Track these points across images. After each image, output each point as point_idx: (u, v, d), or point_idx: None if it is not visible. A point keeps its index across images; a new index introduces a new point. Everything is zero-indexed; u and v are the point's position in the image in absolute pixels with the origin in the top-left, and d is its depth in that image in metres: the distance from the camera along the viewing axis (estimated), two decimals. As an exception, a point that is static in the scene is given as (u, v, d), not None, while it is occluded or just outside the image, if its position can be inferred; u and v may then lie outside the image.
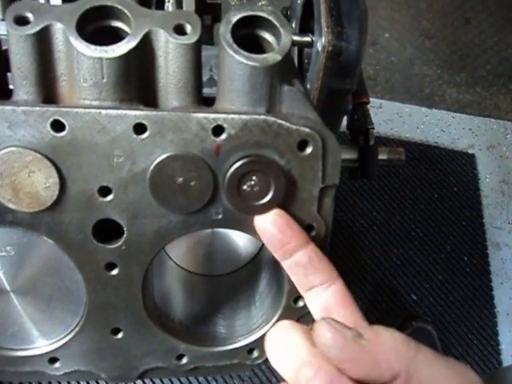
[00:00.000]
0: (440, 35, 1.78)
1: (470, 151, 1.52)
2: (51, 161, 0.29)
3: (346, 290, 0.32)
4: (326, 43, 0.42)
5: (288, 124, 0.30)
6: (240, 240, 0.46)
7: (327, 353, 0.28)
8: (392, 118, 1.54)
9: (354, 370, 0.28)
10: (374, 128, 0.73)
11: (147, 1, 0.57)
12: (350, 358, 0.27)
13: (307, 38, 0.48)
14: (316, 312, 0.32)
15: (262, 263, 0.44)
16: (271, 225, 0.31)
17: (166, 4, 0.58)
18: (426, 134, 1.54)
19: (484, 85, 1.71)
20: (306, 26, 0.55)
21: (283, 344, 0.29)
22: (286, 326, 0.29)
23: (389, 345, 0.28)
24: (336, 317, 0.30)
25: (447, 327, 1.20)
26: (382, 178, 1.38)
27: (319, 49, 0.43)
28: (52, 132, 0.29)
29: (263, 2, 1.76)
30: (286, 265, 0.32)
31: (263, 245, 0.34)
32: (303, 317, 0.37)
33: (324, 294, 0.32)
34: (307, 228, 0.34)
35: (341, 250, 1.23)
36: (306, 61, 0.56)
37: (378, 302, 1.21)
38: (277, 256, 0.32)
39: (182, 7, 0.56)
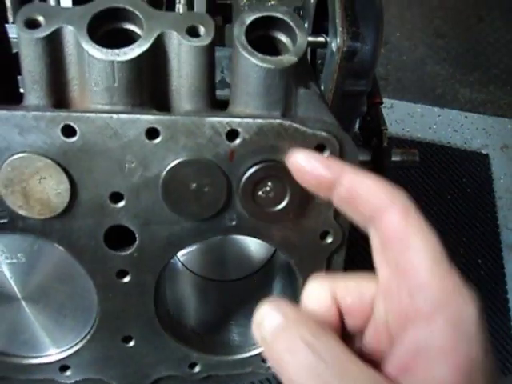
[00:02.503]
0: (452, 34, 1.75)
1: (484, 151, 1.50)
2: (62, 167, 0.29)
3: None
4: (341, 44, 0.41)
5: (304, 128, 0.29)
6: (253, 245, 0.45)
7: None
8: (404, 118, 1.51)
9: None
10: (387, 129, 0.72)
11: (158, 2, 0.57)
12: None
13: (321, 39, 0.47)
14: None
15: (275, 269, 0.43)
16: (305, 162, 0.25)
17: (177, 5, 0.57)
18: (438, 134, 1.51)
19: (497, 84, 1.68)
20: (319, 26, 0.54)
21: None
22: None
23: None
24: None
25: (461, 331, 1.18)
26: (393, 179, 1.36)
27: (334, 49, 0.42)
28: (63, 137, 0.28)
29: (273, 2, 1.76)
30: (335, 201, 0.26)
31: (276, 250, 0.33)
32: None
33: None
34: (323, 234, 0.33)
35: (351, 252, 1.21)
36: (319, 62, 0.55)
37: (390, 304, 1.19)
38: (322, 194, 0.26)
39: (192, 8, 0.55)
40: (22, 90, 0.31)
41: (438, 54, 1.70)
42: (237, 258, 0.44)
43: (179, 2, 0.57)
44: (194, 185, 0.30)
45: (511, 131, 1.55)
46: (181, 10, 0.56)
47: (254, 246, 0.44)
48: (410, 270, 0.24)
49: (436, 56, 1.69)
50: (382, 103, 0.73)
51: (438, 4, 1.77)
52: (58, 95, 0.30)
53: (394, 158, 0.72)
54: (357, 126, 0.66)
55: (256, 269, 0.44)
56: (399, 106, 1.51)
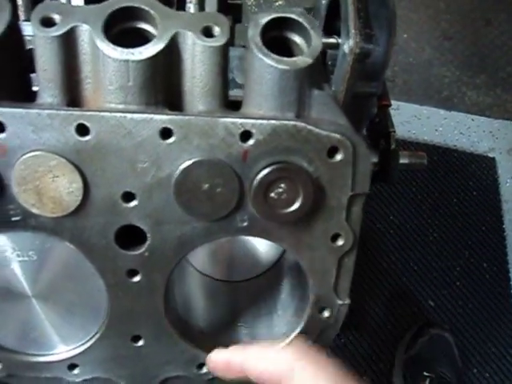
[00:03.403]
0: (459, 36, 1.75)
1: (490, 155, 1.49)
2: (75, 165, 0.29)
3: None
4: (353, 45, 0.41)
5: (318, 130, 0.29)
6: (261, 246, 0.45)
7: None
8: (410, 120, 1.51)
9: None
10: (395, 131, 0.72)
11: (169, 2, 0.57)
12: None
13: (332, 40, 0.47)
14: None
15: (283, 270, 0.43)
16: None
17: (188, 5, 0.57)
18: (444, 136, 1.51)
19: (504, 87, 1.68)
20: (330, 27, 0.53)
21: None
22: None
23: None
24: None
25: (465, 335, 1.18)
26: (399, 182, 1.36)
27: (346, 51, 0.42)
28: (77, 136, 0.28)
29: (280, 2, 1.75)
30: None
31: (285, 251, 0.32)
32: (327, 329, 0.36)
33: None
34: (334, 236, 0.33)
35: (357, 253, 1.21)
36: (329, 63, 0.55)
37: (394, 307, 1.19)
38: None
39: (203, 8, 0.55)
40: (34, 88, 0.31)
41: (445, 57, 1.69)
42: (246, 259, 0.44)
43: (190, 2, 0.57)
44: (207, 185, 0.30)
45: (518, 135, 1.54)
46: (192, 10, 0.56)
47: (263, 247, 0.44)
48: None
49: (443, 58, 1.69)
50: (390, 105, 0.73)
51: (445, 7, 1.76)
52: (72, 93, 0.29)
53: (401, 161, 0.71)
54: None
55: (265, 269, 0.44)
56: (405, 107, 1.51)
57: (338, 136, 0.29)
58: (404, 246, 1.27)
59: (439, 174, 1.39)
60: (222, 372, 0.35)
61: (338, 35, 0.47)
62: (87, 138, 0.28)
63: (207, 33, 0.29)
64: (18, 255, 0.32)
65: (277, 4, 1.68)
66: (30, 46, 0.31)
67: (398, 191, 1.35)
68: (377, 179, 0.66)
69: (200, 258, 0.43)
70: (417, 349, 1.10)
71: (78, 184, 0.29)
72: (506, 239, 1.32)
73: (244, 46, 0.32)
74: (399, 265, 1.24)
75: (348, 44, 0.41)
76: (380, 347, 1.11)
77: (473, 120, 1.55)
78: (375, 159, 0.65)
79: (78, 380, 0.37)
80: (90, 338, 0.35)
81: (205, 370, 0.37)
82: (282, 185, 0.30)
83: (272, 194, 0.30)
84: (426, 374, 1.06)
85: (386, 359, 1.09)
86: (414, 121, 1.51)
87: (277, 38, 0.31)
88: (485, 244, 1.30)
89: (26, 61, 0.31)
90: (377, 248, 1.25)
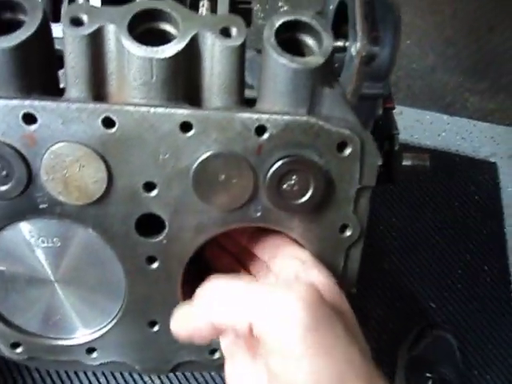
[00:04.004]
0: (463, 42, 1.77)
1: (492, 160, 1.51)
2: (101, 156, 0.31)
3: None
4: (360, 48, 0.43)
5: (328, 125, 0.31)
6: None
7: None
8: (413, 124, 1.53)
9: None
10: (399, 133, 0.73)
11: (182, 5, 0.59)
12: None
13: (340, 43, 0.49)
14: None
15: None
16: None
17: (200, 9, 0.60)
18: (447, 141, 1.53)
19: (507, 93, 1.69)
20: (338, 31, 0.55)
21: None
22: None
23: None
24: None
25: (466, 337, 1.19)
26: (401, 185, 1.38)
27: (353, 53, 0.44)
28: (103, 128, 0.30)
29: (285, 8, 1.78)
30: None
31: None
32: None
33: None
34: (342, 227, 0.34)
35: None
36: (336, 65, 0.57)
37: (396, 308, 1.20)
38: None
39: (216, 12, 0.57)
40: (61, 85, 0.33)
41: (448, 63, 1.71)
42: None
43: (202, 6, 0.59)
44: (223, 176, 0.31)
45: (519, 140, 1.56)
46: (204, 14, 0.58)
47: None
48: None
49: (446, 64, 1.71)
50: (394, 108, 0.75)
51: (449, 13, 1.78)
52: (98, 89, 0.31)
53: (405, 162, 0.73)
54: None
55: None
56: (409, 112, 1.53)
57: (347, 132, 0.31)
58: (406, 248, 1.28)
59: (441, 179, 1.41)
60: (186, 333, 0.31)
61: (345, 39, 0.49)
62: (112, 130, 0.30)
63: (225, 33, 0.31)
64: (43, 241, 0.34)
65: (281, 10, 1.71)
66: (57, 47, 0.33)
67: (401, 195, 1.36)
68: (381, 180, 0.67)
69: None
70: (419, 350, 1.11)
71: (102, 174, 0.31)
72: (506, 243, 1.34)
73: (258, 50, 0.34)
74: (401, 267, 1.25)
75: (355, 47, 0.43)
76: (382, 348, 1.12)
77: (475, 125, 1.57)
78: (380, 161, 0.67)
79: (95, 364, 0.38)
80: (109, 323, 0.37)
81: (217, 355, 0.39)
82: (294, 177, 0.32)
83: (284, 186, 0.32)
84: (428, 375, 1.07)
85: (388, 360, 1.11)
86: (417, 126, 1.53)
87: (290, 39, 0.33)
88: (486, 247, 1.32)
89: (54, 58, 0.33)
90: (379, 250, 1.26)
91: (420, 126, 1.53)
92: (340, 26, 0.54)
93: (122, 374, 0.98)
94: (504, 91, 1.68)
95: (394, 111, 0.73)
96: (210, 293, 0.30)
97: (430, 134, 1.53)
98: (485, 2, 1.73)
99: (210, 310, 0.30)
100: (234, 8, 0.61)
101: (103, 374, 0.99)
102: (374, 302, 1.18)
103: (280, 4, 1.70)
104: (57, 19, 0.51)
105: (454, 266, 1.28)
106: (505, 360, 1.17)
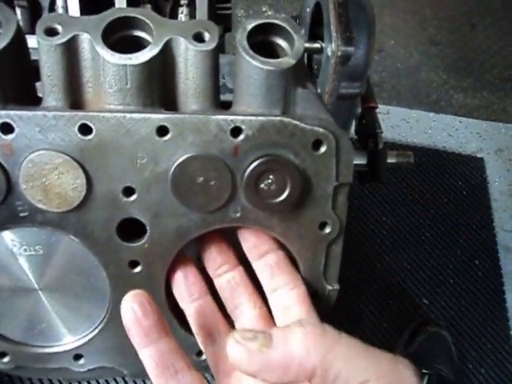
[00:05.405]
0: (446, 41, 1.79)
1: (479, 155, 1.53)
2: (79, 163, 0.31)
3: (307, 294, 0.34)
4: (335, 48, 0.44)
5: (303, 124, 0.32)
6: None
7: (239, 368, 0.29)
8: (399, 123, 1.55)
9: (268, 377, 0.28)
10: (382, 132, 0.74)
11: (161, 12, 0.60)
12: (257, 369, 0.28)
13: (317, 45, 0.50)
14: (277, 310, 0.34)
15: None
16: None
17: (179, 15, 0.60)
18: (433, 138, 1.54)
19: (491, 89, 1.72)
20: (315, 34, 0.56)
21: None
22: None
23: (297, 344, 0.28)
24: (293, 314, 0.33)
25: (460, 332, 1.20)
26: (390, 183, 1.39)
27: (329, 54, 0.45)
28: (80, 135, 0.31)
29: (269, 13, 1.79)
30: (256, 265, 0.35)
31: None
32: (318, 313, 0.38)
33: (286, 295, 0.34)
34: (322, 225, 0.35)
35: (350, 254, 1.24)
36: (315, 67, 0.58)
37: (389, 306, 1.21)
38: (251, 255, 0.35)
39: (195, 18, 0.58)
40: (40, 95, 0.33)
41: (432, 61, 1.74)
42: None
43: (181, 13, 0.60)
44: (201, 179, 0.32)
45: (505, 135, 1.58)
46: (183, 20, 0.59)
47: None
48: None
49: (430, 63, 1.73)
50: (376, 107, 0.76)
51: (431, 13, 1.81)
52: (74, 97, 0.32)
53: (389, 160, 0.74)
54: (353, 130, 0.69)
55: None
56: (395, 111, 1.54)
57: (321, 130, 0.32)
58: (397, 246, 1.29)
59: (429, 176, 1.43)
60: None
61: (323, 41, 0.50)
62: (89, 136, 0.31)
63: (198, 38, 0.31)
64: (25, 250, 0.34)
65: (265, 13, 1.72)
66: (34, 57, 0.33)
67: (389, 193, 1.38)
68: (367, 179, 0.68)
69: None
70: (415, 347, 1.12)
71: (81, 180, 0.31)
72: (496, 236, 1.35)
73: (234, 54, 0.34)
74: (393, 265, 1.26)
75: (331, 47, 0.44)
76: (376, 346, 1.12)
77: (461, 122, 1.59)
78: (364, 160, 0.68)
79: (83, 370, 0.38)
80: (95, 329, 0.37)
81: (203, 357, 0.39)
82: (271, 176, 0.32)
83: (262, 185, 0.32)
84: (424, 371, 1.08)
85: (383, 358, 1.11)
86: (404, 124, 1.54)
87: (263, 42, 0.33)
88: (476, 242, 1.33)
89: (31, 69, 0.33)
90: (370, 249, 1.27)
91: (406, 125, 1.55)
92: (317, 28, 0.55)
93: (115, 379, 0.98)
94: (488, 87, 1.71)
95: (381, 111, 0.74)
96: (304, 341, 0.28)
97: (417, 132, 1.54)
98: (465, 0, 1.76)
99: (299, 358, 0.28)
100: (213, 14, 0.62)
101: (97, 381, 0.99)
102: (367, 301, 1.18)
103: (264, 9, 1.72)
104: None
105: (446, 261, 1.29)
106: (499, 353, 1.19)
